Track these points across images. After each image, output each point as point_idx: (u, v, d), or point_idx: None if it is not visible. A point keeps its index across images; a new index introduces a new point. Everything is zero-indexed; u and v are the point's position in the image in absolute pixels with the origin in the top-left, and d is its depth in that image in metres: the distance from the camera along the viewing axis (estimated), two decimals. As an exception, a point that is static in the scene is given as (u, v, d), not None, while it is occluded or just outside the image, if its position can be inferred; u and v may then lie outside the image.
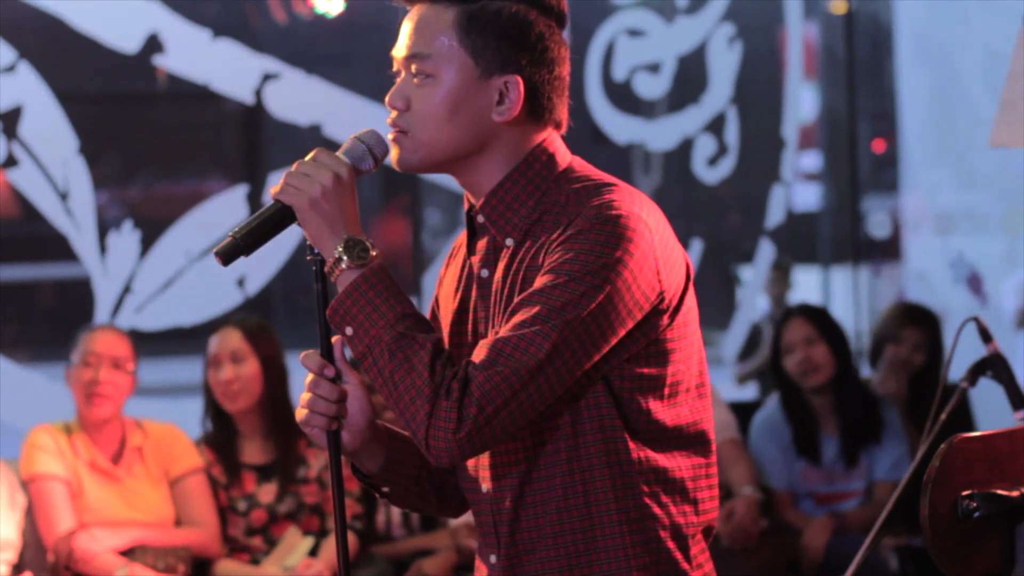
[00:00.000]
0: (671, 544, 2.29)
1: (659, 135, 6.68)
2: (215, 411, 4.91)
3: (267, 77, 5.65)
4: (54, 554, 4.60)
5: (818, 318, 5.45)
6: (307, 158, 2.28)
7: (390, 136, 2.34)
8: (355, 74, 6.31)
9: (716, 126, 6.56)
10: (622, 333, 2.21)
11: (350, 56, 7.22)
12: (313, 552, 4.80)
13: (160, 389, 6.65)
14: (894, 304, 6.25)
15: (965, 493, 2.75)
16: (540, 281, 2.21)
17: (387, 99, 2.34)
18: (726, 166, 6.58)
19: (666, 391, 2.27)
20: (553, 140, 2.35)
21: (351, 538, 4.80)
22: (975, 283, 7.25)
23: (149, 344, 5.30)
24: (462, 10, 2.28)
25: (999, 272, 7.21)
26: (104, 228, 5.45)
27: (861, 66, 8.54)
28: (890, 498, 3.55)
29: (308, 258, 2.28)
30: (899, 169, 8.06)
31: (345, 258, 2.22)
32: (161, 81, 6.47)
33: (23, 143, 5.35)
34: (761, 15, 7.24)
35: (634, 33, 6.46)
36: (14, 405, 5.28)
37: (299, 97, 5.65)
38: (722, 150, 6.56)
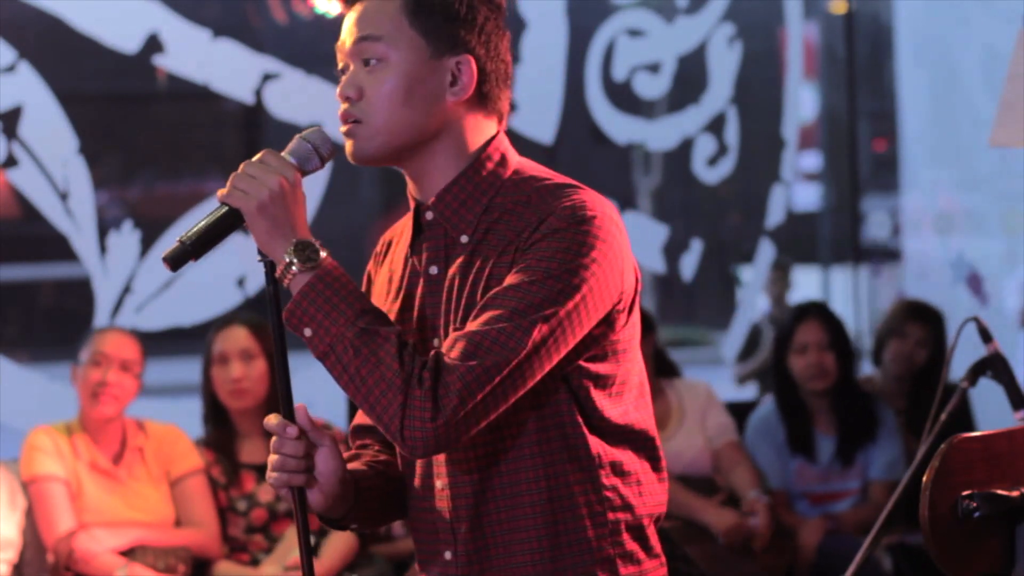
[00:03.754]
0: (630, 535, 2.32)
1: (659, 135, 6.67)
2: (215, 411, 4.91)
3: (267, 77, 5.65)
4: (54, 555, 4.60)
5: (832, 323, 5.44)
6: (254, 159, 2.26)
7: (342, 129, 2.34)
8: (355, 74, 6.28)
9: (716, 126, 6.55)
10: (588, 330, 2.24)
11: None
12: (314, 551, 4.79)
13: (160, 389, 6.64)
14: (899, 301, 6.25)
15: (965, 493, 2.76)
16: (515, 277, 2.21)
17: (338, 91, 2.34)
18: (726, 166, 6.58)
19: (614, 389, 2.30)
20: (502, 139, 2.37)
21: (352, 538, 4.80)
22: (975, 283, 7.24)
23: (149, 344, 5.30)
24: None
25: (999, 272, 7.21)
26: (104, 228, 5.45)
27: (861, 66, 8.54)
28: (888, 498, 3.57)
29: (258, 260, 2.26)
30: (899, 169, 8.06)
31: (296, 261, 2.21)
32: (161, 81, 6.47)
33: (23, 143, 5.35)
34: (761, 15, 7.23)
35: (634, 33, 6.46)
36: (14, 405, 5.28)
37: (299, 97, 5.65)
38: (722, 150, 6.56)
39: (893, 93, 8.07)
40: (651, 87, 6.47)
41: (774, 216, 6.73)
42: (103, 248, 5.44)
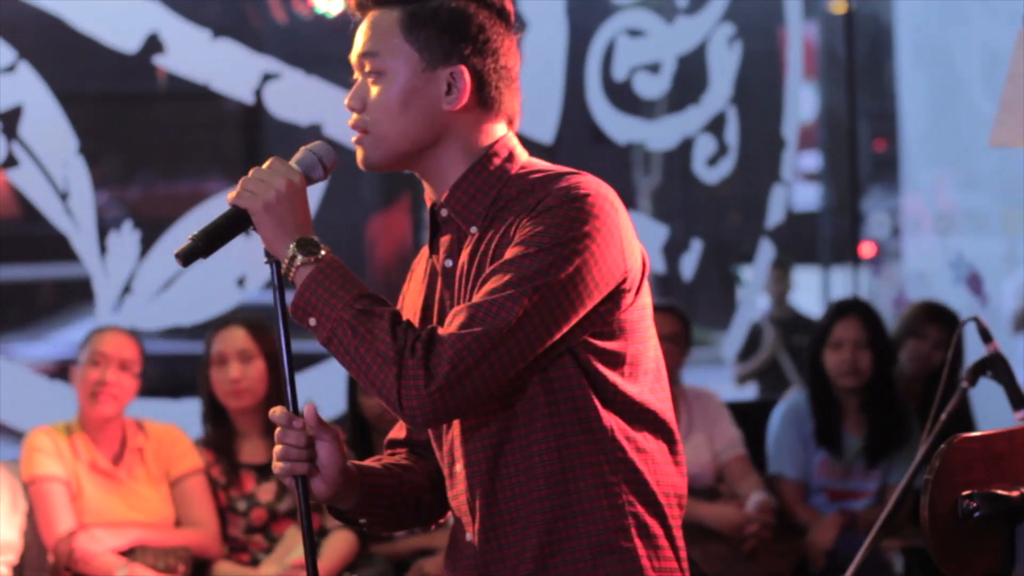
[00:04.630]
0: (646, 510, 2.37)
1: (659, 135, 6.68)
2: (214, 411, 4.91)
3: (267, 77, 5.65)
4: (54, 555, 4.60)
5: (872, 321, 5.41)
6: (263, 166, 2.39)
7: (353, 139, 2.45)
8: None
9: (716, 126, 6.55)
10: (589, 305, 2.31)
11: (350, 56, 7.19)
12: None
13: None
14: (919, 302, 6.24)
15: (965, 493, 2.76)
16: (510, 252, 2.31)
17: (345, 101, 2.46)
18: (726, 166, 6.58)
19: (626, 369, 2.37)
20: (511, 138, 2.47)
21: (352, 537, 4.80)
22: (975, 283, 7.25)
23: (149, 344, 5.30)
24: (405, 9, 2.41)
25: (999, 272, 7.21)
26: (104, 228, 5.45)
27: (861, 66, 8.53)
28: (894, 501, 3.55)
29: (265, 262, 2.39)
30: (899, 169, 8.06)
31: (299, 256, 2.33)
32: (161, 81, 6.46)
33: (23, 143, 5.35)
34: (761, 15, 7.23)
35: (634, 33, 6.46)
36: (14, 405, 5.28)
37: (299, 97, 5.65)
38: (722, 150, 6.56)
39: (893, 93, 8.07)
40: (651, 87, 6.47)
41: (774, 216, 6.73)
42: (103, 248, 5.44)
